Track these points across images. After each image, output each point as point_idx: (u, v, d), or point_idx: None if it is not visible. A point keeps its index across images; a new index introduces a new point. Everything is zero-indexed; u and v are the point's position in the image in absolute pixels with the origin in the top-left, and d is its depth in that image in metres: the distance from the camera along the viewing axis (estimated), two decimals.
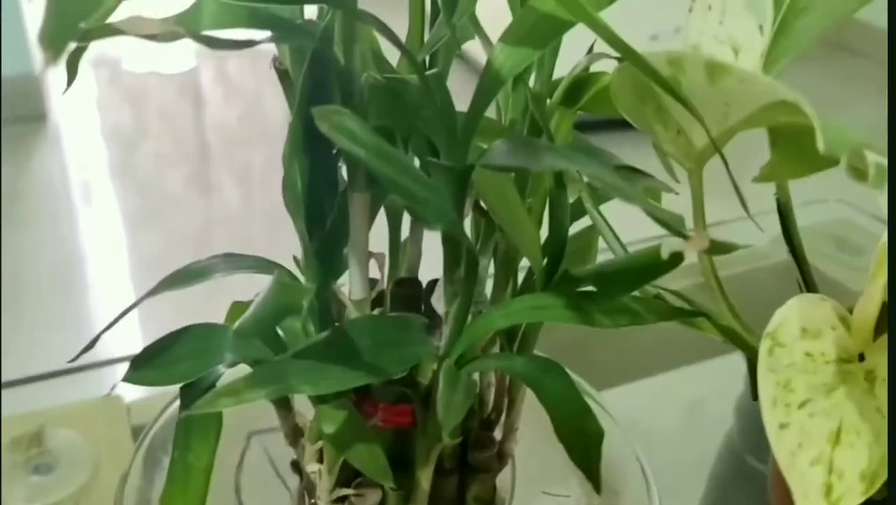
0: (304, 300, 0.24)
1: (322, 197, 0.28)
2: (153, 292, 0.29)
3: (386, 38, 0.25)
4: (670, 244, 0.23)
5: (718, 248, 0.22)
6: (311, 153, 0.28)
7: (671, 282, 0.44)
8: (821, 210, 0.81)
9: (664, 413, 0.61)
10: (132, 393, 0.50)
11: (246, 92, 2.26)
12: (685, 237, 0.23)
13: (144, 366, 0.29)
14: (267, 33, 0.25)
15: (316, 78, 0.27)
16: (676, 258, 0.23)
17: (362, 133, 0.24)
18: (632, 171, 0.38)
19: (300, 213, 0.28)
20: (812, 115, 0.21)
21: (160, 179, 1.88)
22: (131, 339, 1.32)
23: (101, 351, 0.58)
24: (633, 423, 0.60)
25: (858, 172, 0.23)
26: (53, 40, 0.20)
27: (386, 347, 0.28)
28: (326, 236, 0.29)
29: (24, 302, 1.45)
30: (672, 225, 0.23)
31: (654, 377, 0.64)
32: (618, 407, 0.60)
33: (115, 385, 0.30)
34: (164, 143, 2.01)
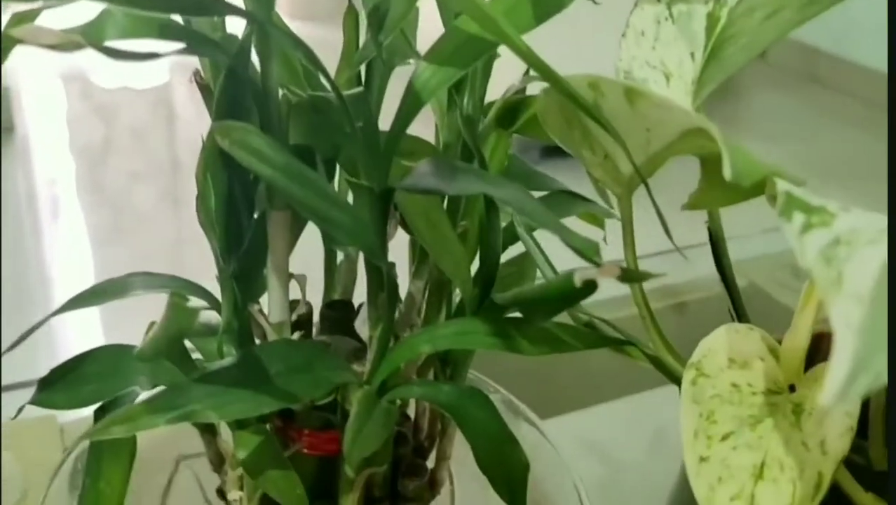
0: (195, 321, 0.24)
1: (239, 215, 0.28)
2: (61, 311, 0.28)
3: (301, 55, 0.24)
4: (583, 272, 0.22)
5: (629, 276, 0.22)
6: (226, 169, 0.27)
7: (618, 311, 0.43)
8: (778, 238, 0.81)
9: (630, 437, 0.60)
10: (66, 413, 0.49)
11: None
12: (597, 265, 0.22)
13: (51, 388, 0.28)
14: (176, 45, 0.24)
15: (232, 94, 0.26)
16: (590, 286, 0.23)
17: (269, 150, 0.23)
18: (570, 196, 0.38)
19: (214, 231, 0.27)
20: (721, 141, 0.21)
21: (130, 195, 1.86)
22: None
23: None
24: (598, 448, 0.58)
25: (775, 200, 0.22)
26: None
27: (299, 372, 0.27)
28: (244, 256, 0.28)
29: None
30: (585, 252, 0.22)
31: (622, 399, 0.63)
32: (582, 431, 0.59)
33: (22, 408, 0.29)
34: (135, 158, 1.99)
